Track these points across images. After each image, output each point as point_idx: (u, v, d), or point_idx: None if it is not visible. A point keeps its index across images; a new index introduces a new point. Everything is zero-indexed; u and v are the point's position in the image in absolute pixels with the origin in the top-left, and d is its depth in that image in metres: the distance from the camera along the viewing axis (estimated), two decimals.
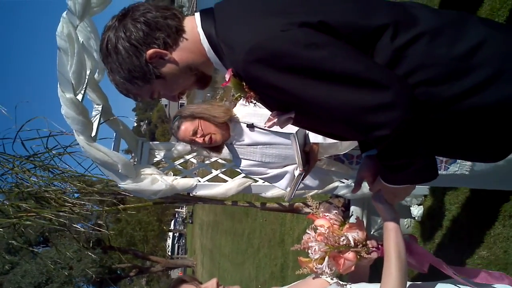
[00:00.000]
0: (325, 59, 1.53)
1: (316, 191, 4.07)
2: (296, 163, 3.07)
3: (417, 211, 4.78)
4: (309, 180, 3.57)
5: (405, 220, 4.87)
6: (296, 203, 4.81)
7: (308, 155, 3.03)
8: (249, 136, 3.43)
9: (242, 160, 3.50)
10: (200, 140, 3.33)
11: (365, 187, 2.07)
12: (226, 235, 21.40)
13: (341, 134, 1.97)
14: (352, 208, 4.52)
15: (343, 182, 4.27)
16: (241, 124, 3.42)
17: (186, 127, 3.35)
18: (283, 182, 3.52)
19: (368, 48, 1.63)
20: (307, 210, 4.69)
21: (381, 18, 1.63)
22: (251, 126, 3.37)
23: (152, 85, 1.82)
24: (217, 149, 3.55)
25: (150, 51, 1.72)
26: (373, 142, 1.62)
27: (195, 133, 3.33)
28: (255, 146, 3.43)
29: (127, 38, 1.71)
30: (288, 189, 3.34)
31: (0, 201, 4.04)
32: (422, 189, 4.58)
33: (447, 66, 1.61)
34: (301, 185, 3.44)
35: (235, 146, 3.50)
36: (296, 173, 3.13)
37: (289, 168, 3.46)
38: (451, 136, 1.74)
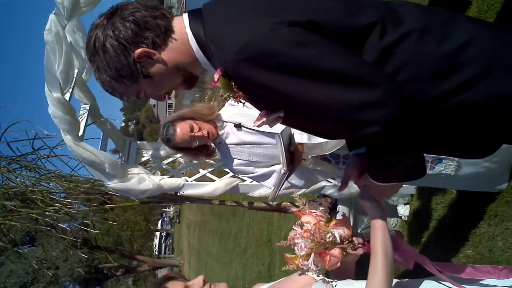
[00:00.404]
0: (314, 57, 1.53)
1: (303, 190, 4.09)
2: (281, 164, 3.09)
3: (403, 210, 4.81)
4: (295, 180, 3.59)
5: (392, 219, 4.90)
6: (284, 203, 4.83)
7: (293, 155, 3.05)
8: (236, 136, 3.45)
9: (230, 159, 3.51)
10: (199, 133, 3.35)
11: (353, 186, 2.09)
12: (213, 234, 21.37)
13: (330, 132, 1.98)
14: (340, 207, 4.53)
15: (330, 182, 4.29)
16: (229, 123, 3.45)
17: (182, 127, 3.37)
18: (271, 181, 3.54)
19: (357, 47, 1.63)
20: (294, 209, 4.70)
21: (369, 16, 1.64)
22: (238, 126, 3.40)
23: (139, 84, 1.82)
24: (210, 153, 3.58)
25: (139, 51, 1.72)
26: (362, 140, 1.63)
27: (192, 129, 3.35)
28: (242, 146, 3.46)
29: (115, 36, 1.71)
30: (273, 188, 3.36)
31: None
32: (408, 188, 4.60)
33: (435, 64, 1.62)
34: (287, 184, 3.47)
35: (223, 145, 3.51)
36: (281, 172, 3.15)
37: (276, 167, 3.48)
38: (439, 134, 1.75)
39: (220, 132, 3.49)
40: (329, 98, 1.55)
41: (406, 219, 4.81)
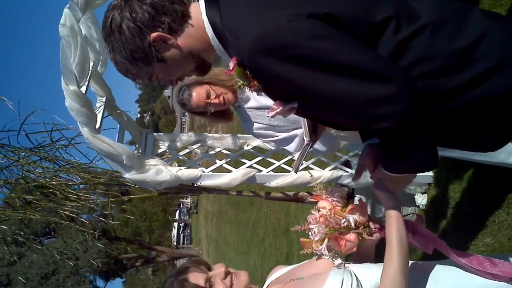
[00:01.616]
0: (330, 50, 1.53)
1: (322, 178, 4.09)
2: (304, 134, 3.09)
3: (421, 199, 4.79)
4: (317, 145, 3.57)
5: (409, 208, 4.88)
6: (301, 193, 4.83)
7: (316, 124, 3.05)
8: (256, 100, 3.43)
9: (250, 123, 3.49)
10: (215, 100, 3.33)
11: (369, 175, 2.08)
12: (231, 224, 21.44)
13: (344, 124, 1.97)
14: (357, 199, 4.53)
15: (347, 172, 4.28)
16: (248, 90, 3.43)
17: (198, 92, 3.34)
18: (293, 145, 3.53)
19: (372, 41, 1.63)
20: (311, 199, 4.70)
21: (385, 11, 1.64)
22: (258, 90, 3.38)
23: (152, 67, 1.84)
24: (226, 116, 3.55)
25: (154, 34, 1.73)
26: (375, 134, 1.63)
27: (208, 95, 3.33)
28: (263, 110, 3.43)
29: (132, 18, 1.72)
30: (297, 153, 3.36)
31: (7, 192, 4.06)
32: (426, 177, 4.59)
33: (449, 58, 1.62)
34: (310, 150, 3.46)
35: (242, 109, 3.49)
36: (304, 142, 3.14)
37: (298, 131, 3.46)
38: (452, 127, 1.75)
39: (240, 96, 3.47)
40: (343, 91, 1.55)
41: (424, 208, 4.79)
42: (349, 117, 1.64)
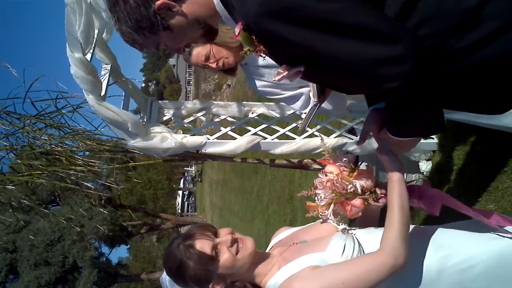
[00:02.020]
0: (336, 11, 1.52)
1: (329, 143, 4.09)
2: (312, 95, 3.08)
3: (425, 166, 4.80)
4: (324, 104, 3.58)
5: (414, 175, 4.89)
6: (305, 160, 4.83)
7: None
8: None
9: (257, 80, 3.48)
10: (213, 65, 3.31)
11: (374, 142, 2.09)
12: (235, 192, 21.55)
13: (351, 87, 1.97)
14: (362, 166, 4.53)
15: (352, 139, 4.28)
16: (254, 55, 3.42)
17: (198, 52, 3.32)
18: (298, 104, 3.53)
19: (378, 1, 1.62)
20: (316, 166, 4.72)
21: None
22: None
23: (158, 36, 1.83)
24: (230, 71, 3.54)
25: (159, 2, 1.73)
26: (382, 95, 1.63)
27: (207, 58, 3.31)
28: (270, 68, 3.42)
29: None
30: (303, 111, 3.35)
31: (13, 158, 4.08)
32: (430, 144, 4.59)
33: (457, 18, 1.60)
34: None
35: (248, 66, 3.48)
36: (311, 103, 3.13)
37: (304, 90, 3.46)
38: (459, 89, 1.74)
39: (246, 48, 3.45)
40: (350, 52, 1.54)
41: (428, 175, 4.81)
42: (355, 80, 1.63)
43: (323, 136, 4.30)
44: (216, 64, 3.33)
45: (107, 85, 3.68)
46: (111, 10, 1.81)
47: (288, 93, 3.51)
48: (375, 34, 1.51)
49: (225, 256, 1.97)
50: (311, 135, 4.43)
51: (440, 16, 1.60)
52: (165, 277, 2.15)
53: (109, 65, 3.81)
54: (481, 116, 3.44)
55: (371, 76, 1.56)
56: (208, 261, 1.95)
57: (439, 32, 1.61)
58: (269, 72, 3.44)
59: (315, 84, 2.86)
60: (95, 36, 3.49)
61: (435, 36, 1.61)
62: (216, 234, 2.06)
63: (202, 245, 1.98)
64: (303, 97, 3.50)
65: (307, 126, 3.54)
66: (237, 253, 2.00)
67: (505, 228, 1.99)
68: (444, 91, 1.69)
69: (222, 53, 3.35)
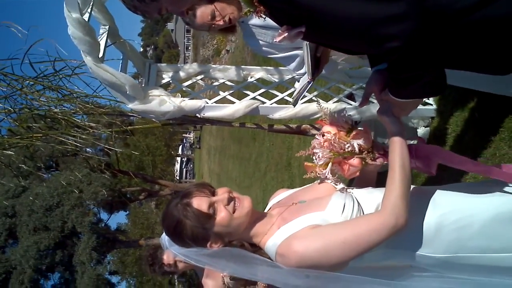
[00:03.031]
0: None
1: (328, 107, 4.10)
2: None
3: (423, 132, 4.80)
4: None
5: (411, 141, 4.89)
6: (304, 125, 4.83)
7: (319, 58, 3.02)
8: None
9: (252, 38, 3.48)
10: (220, 22, 3.28)
11: (373, 108, 2.09)
12: (233, 159, 21.58)
13: (352, 48, 1.96)
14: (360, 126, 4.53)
15: (351, 104, 4.28)
16: (255, 16, 3.39)
17: (202, 12, 3.27)
18: (293, 65, 3.55)
19: None
20: (314, 131, 4.72)
21: None
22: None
23: (159, 2, 1.82)
24: (231, 28, 3.53)
25: None
26: (383, 55, 1.62)
27: (213, 17, 3.28)
28: (267, 28, 3.41)
29: None
30: (298, 71, 3.37)
31: (11, 120, 4.06)
32: (429, 110, 4.59)
33: None
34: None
35: (246, 24, 3.47)
36: (304, 79, 3.13)
37: (299, 52, 3.47)
38: (461, 49, 1.73)
39: (245, 11, 3.44)
40: (351, 11, 1.53)
41: (426, 141, 4.81)
42: (357, 39, 1.63)
43: (321, 101, 4.31)
44: (223, 21, 3.30)
45: (105, 46, 3.66)
46: None
47: (283, 54, 3.52)
48: None
49: (221, 214, 1.98)
50: (310, 100, 4.43)
51: None
52: (164, 237, 2.17)
53: (107, 26, 3.78)
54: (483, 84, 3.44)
55: (372, 36, 1.55)
56: (205, 219, 1.96)
57: None
58: (266, 32, 3.44)
59: (310, 61, 2.85)
60: None
61: None
62: (213, 193, 2.07)
63: (199, 202, 1.99)
64: (298, 59, 3.51)
65: (301, 98, 3.53)
66: (234, 212, 2.01)
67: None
68: (446, 50, 1.68)
69: (226, 10, 3.32)
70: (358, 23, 1.54)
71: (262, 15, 1.74)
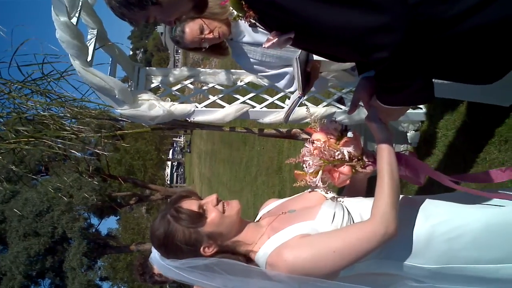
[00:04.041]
0: None
1: (317, 114, 4.09)
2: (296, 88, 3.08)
3: (413, 137, 4.81)
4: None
5: (401, 146, 4.90)
6: (294, 129, 4.83)
7: (310, 74, 3.02)
8: (251, 35, 3.39)
9: (242, 57, 3.48)
10: (209, 35, 3.29)
11: (363, 112, 2.08)
12: (224, 163, 21.57)
13: (340, 55, 1.96)
14: (349, 134, 4.53)
15: (340, 108, 4.28)
16: (244, 21, 3.38)
17: (191, 27, 3.29)
18: (282, 82, 3.53)
19: None
20: (304, 136, 4.71)
21: None
22: (253, 25, 3.34)
23: (147, 11, 1.81)
24: (223, 51, 3.53)
25: None
26: (371, 64, 1.62)
27: (202, 30, 3.28)
28: (256, 45, 3.40)
29: None
30: (288, 90, 3.37)
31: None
32: (419, 114, 4.59)
33: None
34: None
35: (235, 42, 3.46)
36: (295, 96, 3.13)
37: (288, 69, 3.46)
38: (449, 58, 1.73)
39: (233, 30, 3.43)
40: (340, 20, 1.53)
41: (416, 145, 4.82)
42: (345, 47, 1.62)
43: (311, 105, 4.31)
44: (212, 35, 3.30)
45: (94, 50, 3.64)
46: None
47: (272, 71, 3.51)
48: (365, 3, 1.50)
49: (212, 214, 1.96)
50: (301, 105, 4.42)
51: None
52: (154, 255, 2.11)
53: (95, 30, 3.75)
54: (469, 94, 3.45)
55: (360, 46, 1.55)
56: (197, 219, 1.94)
57: None
58: (255, 50, 3.43)
59: (300, 77, 2.84)
60: None
61: (426, 3, 1.59)
62: (201, 199, 2.06)
63: (189, 205, 1.98)
64: (287, 76, 3.50)
65: (291, 115, 3.53)
66: (223, 212, 2.00)
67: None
68: (434, 59, 1.68)
69: (214, 24, 3.33)
70: (346, 32, 1.53)
71: (251, 19, 1.73)
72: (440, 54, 1.69)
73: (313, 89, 3.67)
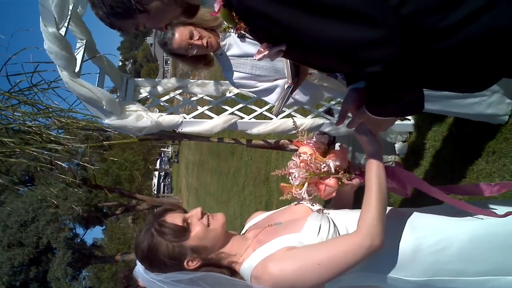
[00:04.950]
0: None
1: (305, 126, 4.09)
2: (286, 77, 3.07)
3: (401, 148, 4.82)
4: (299, 95, 3.56)
5: (389, 157, 4.91)
6: (282, 140, 4.82)
7: (299, 68, 3.01)
8: (239, 47, 3.39)
9: (231, 72, 3.47)
10: (198, 42, 3.29)
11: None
12: (211, 173, 21.53)
13: (332, 67, 1.96)
14: (336, 146, 4.54)
15: (329, 119, 4.28)
16: (232, 34, 3.37)
17: (181, 32, 3.29)
18: (273, 96, 3.52)
19: None
20: (292, 147, 4.71)
21: None
22: (242, 36, 3.33)
23: (136, 19, 1.80)
24: (208, 62, 3.52)
25: None
26: (364, 78, 1.61)
27: (191, 36, 3.28)
28: (245, 58, 3.40)
29: None
30: (277, 102, 3.35)
31: None
32: (407, 126, 4.60)
33: None
34: (291, 100, 3.44)
35: (224, 57, 3.46)
36: (285, 85, 3.12)
37: (280, 82, 3.45)
38: (441, 68, 1.73)
39: (222, 43, 3.42)
40: (333, 34, 1.52)
41: (404, 156, 4.83)
42: (337, 60, 1.61)
43: (300, 116, 4.31)
44: (201, 42, 3.30)
45: (82, 61, 3.62)
46: None
47: (263, 85, 3.50)
48: (358, 16, 1.50)
49: (197, 228, 1.95)
50: (289, 116, 4.42)
51: None
52: (138, 269, 2.09)
53: (84, 41, 3.73)
54: (453, 105, 3.47)
55: (353, 59, 1.55)
56: (181, 233, 1.93)
57: (424, 9, 1.59)
58: (244, 62, 3.42)
59: (289, 66, 2.84)
60: (70, 10, 3.41)
61: (419, 14, 1.59)
62: (185, 212, 2.05)
63: (173, 218, 1.97)
64: (278, 89, 3.49)
65: (283, 107, 3.52)
66: (208, 225, 1.99)
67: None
68: (426, 70, 1.67)
69: (204, 33, 3.33)
70: (339, 45, 1.53)
71: (242, 31, 1.72)
72: (431, 64, 1.69)
73: (307, 98, 3.66)
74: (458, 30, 1.59)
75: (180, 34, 3.29)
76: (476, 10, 1.56)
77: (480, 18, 1.57)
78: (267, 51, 1.73)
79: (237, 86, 3.69)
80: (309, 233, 1.93)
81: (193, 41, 3.30)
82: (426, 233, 1.97)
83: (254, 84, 3.53)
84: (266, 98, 3.63)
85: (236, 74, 3.49)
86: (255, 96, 4.47)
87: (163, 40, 3.38)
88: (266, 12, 1.55)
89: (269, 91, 3.55)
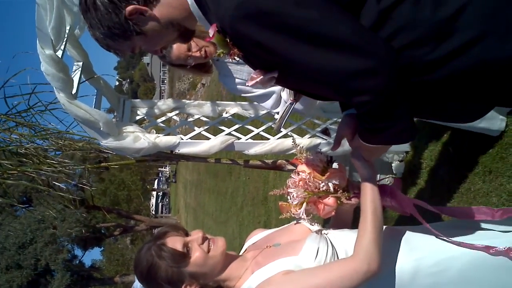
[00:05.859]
0: (313, 20, 1.51)
1: (302, 145, 4.09)
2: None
3: (398, 167, 4.82)
4: (296, 104, 3.58)
5: (386, 176, 4.91)
6: (279, 160, 4.82)
7: None
8: None
9: (229, 78, 3.48)
10: (197, 53, 3.30)
11: (346, 144, 2.09)
12: (209, 193, 21.50)
13: (324, 95, 1.97)
14: (335, 165, 4.53)
15: (325, 140, 4.29)
16: (229, 59, 3.40)
17: (179, 44, 3.30)
18: (269, 102, 3.53)
19: (355, 10, 1.61)
20: (290, 167, 4.71)
21: None
22: (236, 62, 3.35)
23: (132, 41, 1.81)
24: (206, 69, 3.52)
25: (130, 8, 1.70)
26: (354, 106, 1.63)
27: (189, 48, 3.29)
28: (243, 64, 3.41)
29: None
30: (275, 110, 3.36)
31: None
32: (403, 145, 4.61)
33: (431, 29, 1.59)
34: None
35: (221, 63, 3.47)
36: (286, 102, 3.13)
37: (276, 88, 3.46)
38: (431, 99, 1.75)
39: (219, 50, 3.43)
40: (324, 63, 1.53)
41: (401, 176, 4.83)
42: (328, 89, 1.64)
43: (296, 136, 4.31)
44: (199, 53, 3.32)
45: (79, 83, 3.62)
46: (84, 16, 1.80)
47: (259, 91, 3.51)
48: (349, 47, 1.51)
49: (196, 254, 1.95)
50: (286, 136, 4.43)
51: (415, 26, 1.60)
52: (136, 285, 2.11)
53: (81, 62, 3.75)
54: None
55: (343, 88, 1.57)
56: (180, 259, 1.93)
57: (414, 41, 1.61)
58: (241, 69, 3.44)
59: None
60: (67, 32, 3.43)
61: (410, 46, 1.61)
62: (187, 234, 2.04)
63: (174, 242, 1.97)
64: (274, 96, 3.50)
65: (282, 126, 3.53)
66: (208, 251, 1.99)
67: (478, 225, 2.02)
68: (417, 102, 1.70)
69: (202, 43, 3.35)
70: (329, 74, 1.54)
71: (235, 57, 1.74)
72: (421, 95, 1.71)
73: (301, 107, 3.67)
74: (447, 62, 1.60)
75: (178, 46, 3.31)
76: (466, 42, 1.58)
77: (470, 50, 1.58)
78: (259, 78, 1.74)
79: (233, 91, 3.71)
80: (307, 256, 1.93)
81: (191, 53, 3.32)
82: (425, 254, 1.97)
83: (250, 90, 3.54)
84: (262, 104, 3.65)
85: (232, 80, 3.51)
86: (252, 116, 4.49)
87: (162, 53, 3.41)
88: (259, 40, 1.56)
89: (265, 97, 3.56)
